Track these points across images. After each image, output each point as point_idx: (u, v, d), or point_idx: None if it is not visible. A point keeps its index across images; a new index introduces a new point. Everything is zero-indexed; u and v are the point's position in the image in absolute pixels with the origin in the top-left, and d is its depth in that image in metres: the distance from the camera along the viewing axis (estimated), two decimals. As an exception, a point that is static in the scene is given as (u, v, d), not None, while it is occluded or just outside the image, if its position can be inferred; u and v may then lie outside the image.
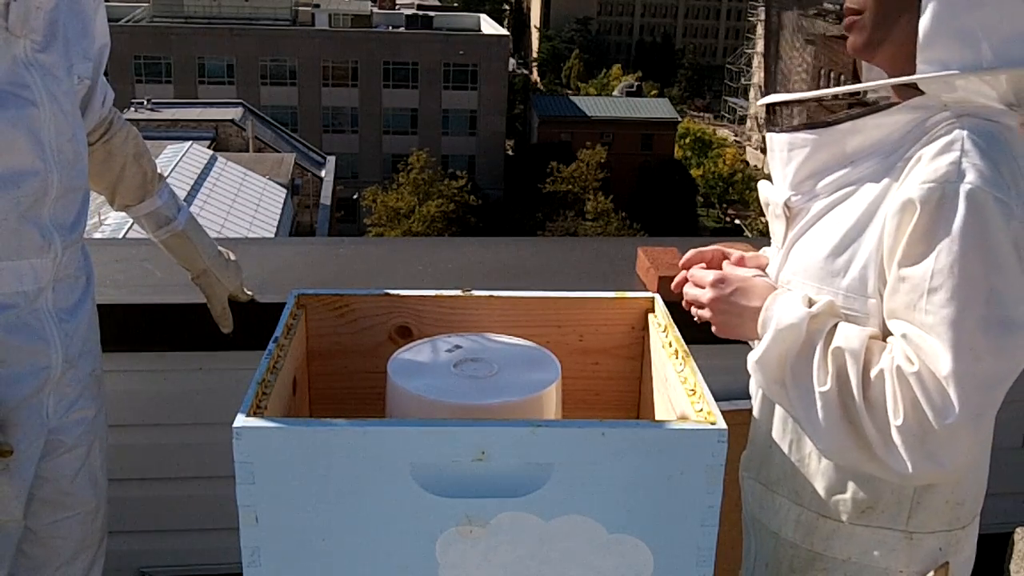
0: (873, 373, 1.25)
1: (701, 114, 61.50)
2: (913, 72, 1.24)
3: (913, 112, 1.27)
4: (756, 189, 1.56)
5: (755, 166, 47.04)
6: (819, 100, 1.38)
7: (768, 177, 1.51)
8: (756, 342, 1.39)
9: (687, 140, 47.32)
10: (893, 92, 1.33)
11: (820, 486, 1.40)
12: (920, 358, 1.22)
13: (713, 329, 1.44)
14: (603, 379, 1.72)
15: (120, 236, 12.85)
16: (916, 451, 1.21)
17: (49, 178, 1.57)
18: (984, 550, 1.47)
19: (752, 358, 1.36)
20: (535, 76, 62.98)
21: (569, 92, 54.42)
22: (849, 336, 1.27)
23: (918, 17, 1.22)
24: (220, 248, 2.01)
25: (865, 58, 1.36)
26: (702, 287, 1.45)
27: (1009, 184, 1.19)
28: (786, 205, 1.40)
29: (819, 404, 1.27)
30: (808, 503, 1.42)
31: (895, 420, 1.22)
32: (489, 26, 45.42)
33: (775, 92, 1.43)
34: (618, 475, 1.24)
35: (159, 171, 1.93)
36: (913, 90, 1.27)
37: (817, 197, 1.36)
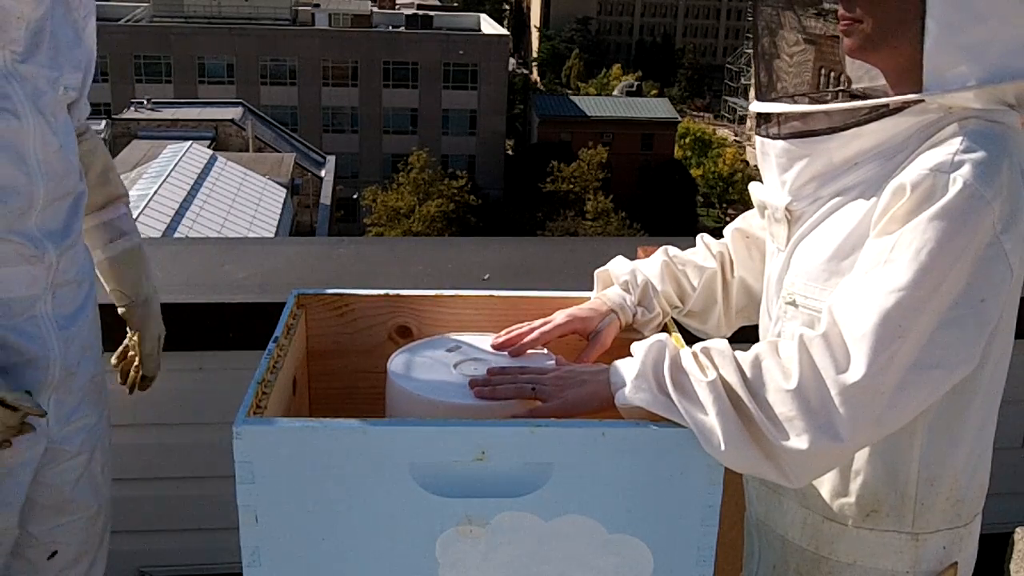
0: (749, 358, 1.23)
1: (701, 114, 61.54)
2: (916, 75, 1.24)
3: (916, 116, 1.26)
4: (755, 189, 1.55)
5: (755, 166, 46.85)
6: (825, 113, 1.35)
7: (758, 178, 1.50)
8: (609, 397, 1.29)
9: (687, 140, 47.33)
10: (892, 93, 1.33)
11: (825, 489, 1.39)
12: (835, 319, 1.19)
13: (554, 404, 1.32)
14: (603, 379, 1.71)
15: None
16: (810, 420, 1.17)
17: (34, 191, 1.54)
18: (984, 550, 1.47)
19: (629, 376, 1.26)
20: (535, 76, 62.99)
21: (569, 92, 54.44)
22: (708, 342, 1.27)
23: (920, 25, 1.22)
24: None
25: (864, 60, 1.36)
26: (539, 375, 1.37)
27: (1004, 183, 1.19)
28: (787, 209, 1.39)
29: (709, 397, 1.20)
30: (814, 506, 1.41)
31: (787, 384, 1.18)
32: (489, 26, 45.43)
33: (769, 95, 1.42)
34: (618, 475, 1.24)
35: (125, 193, 1.89)
36: (914, 91, 1.27)
37: (820, 200, 1.35)
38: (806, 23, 1.44)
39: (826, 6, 1.41)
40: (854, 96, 1.44)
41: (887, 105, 1.28)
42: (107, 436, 1.83)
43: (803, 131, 1.35)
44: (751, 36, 1.45)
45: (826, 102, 1.45)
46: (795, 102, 1.42)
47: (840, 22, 1.31)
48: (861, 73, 1.44)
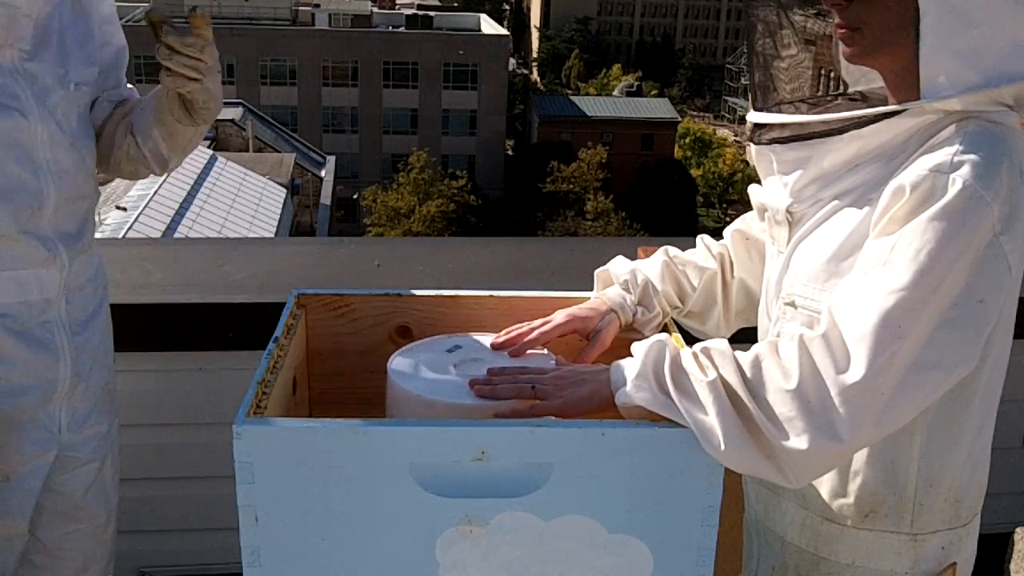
0: (749, 358, 1.23)
1: (701, 114, 61.51)
2: (914, 78, 1.24)
3: (915, 118, 1.26)
4: (756, 190, 1.55)
5: (755, 166, 47.05)
6: (823, 123, 1.34)
7: (758, 179, 1.50)
8: (609, 397, 1.29)
9: (687, 140, 47.31)
10: (891, 95, 1.33)
11: (824, 490, 1.39)
12: (835, 319, 1.19)
13: (554, 404, 1.32)
14: (603, 379, 1.71)
15: (120, 236, 12.85)
16: (810, 420, 1.17)
17: (44, 190, 1.54)
18: (984, 550, 1.47)
19: (630, 376, 1.26)
20: (535, 76, 62.98)
21: (569, 92, 54.43)
22: (709, 342, 1.27)
23: (915, 32, 1.22)
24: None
25: (863, 65, 1.36)
26: (539, 374, 1.37)
27: (1003, 184, 1.19)
28: (788, 211, 1.39)
29: (709, 397, 1.20)
30: (813, 507, 1.41)
31: (787, 384, 1.18)
32: (489, 26, 45.43)
33: (767, 104, 1.42)
34: (618, 475, 1.24)
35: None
36: (913, 93, 1.27)
37: (820, 202, 1.35)
38: (799, 29, 1.44)
39: (821, 7, 1.41)
40: (852, 99, 1.44)
41: (884, 100, 1.29)
42: (117, 444, 1.83)
43: (803, 134, 1.35)
44: (747, 40, 1.45)
45: (826, 103, 1.45)
46: (794, 108, 1.42)
47: (838, 30, 1.31)
48: (859, 76, 1.44)
